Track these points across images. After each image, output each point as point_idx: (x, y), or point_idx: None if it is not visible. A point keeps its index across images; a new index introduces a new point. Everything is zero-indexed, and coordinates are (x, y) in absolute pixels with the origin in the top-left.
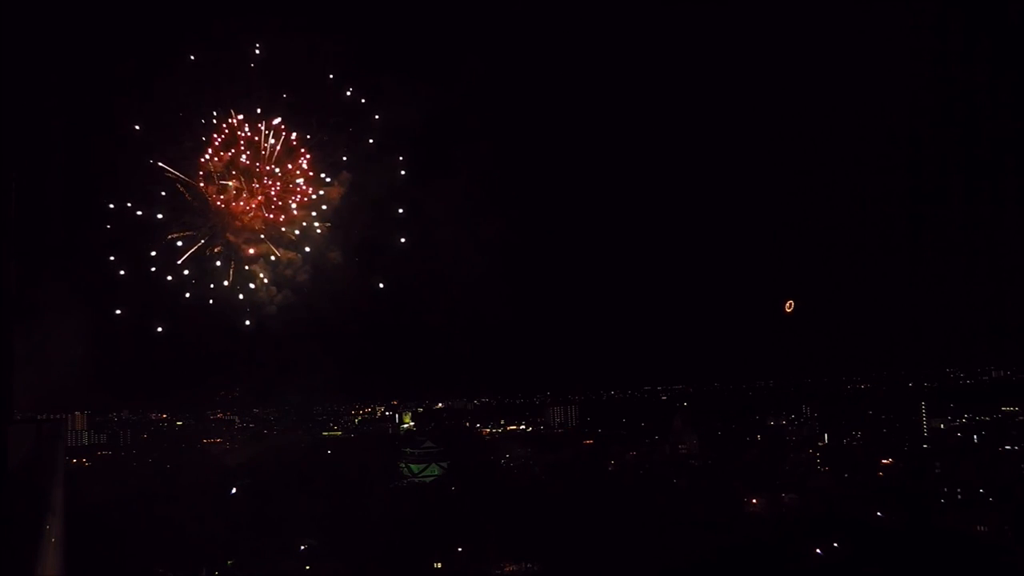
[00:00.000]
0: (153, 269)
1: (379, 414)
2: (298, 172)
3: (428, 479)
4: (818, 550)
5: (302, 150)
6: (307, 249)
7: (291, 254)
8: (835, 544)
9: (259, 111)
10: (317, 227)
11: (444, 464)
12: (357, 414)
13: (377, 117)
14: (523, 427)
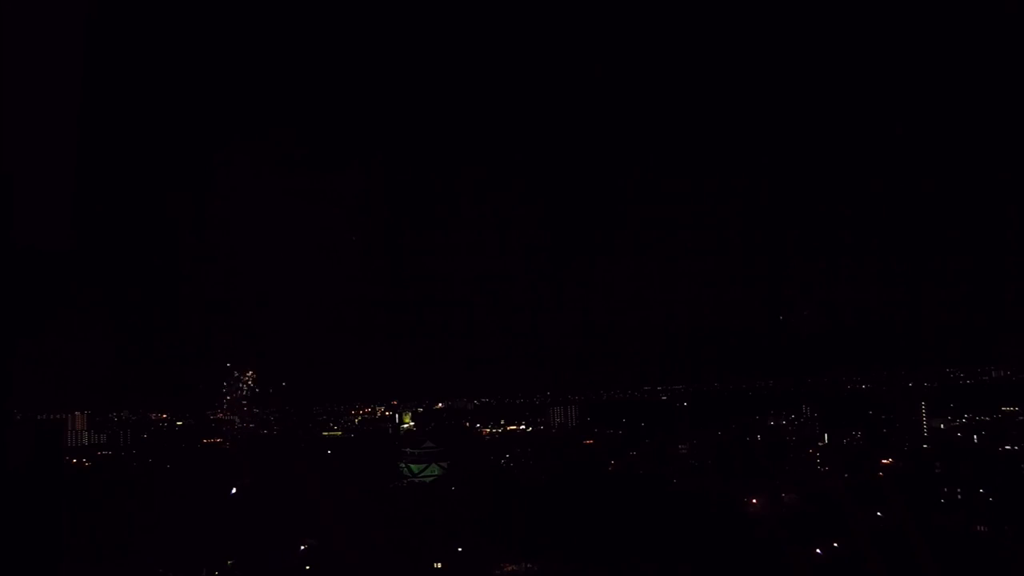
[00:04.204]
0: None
1: (379, 414)
2: None
3: (428, 479)
4: (818, 550)
5: None
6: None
7: None
8: (835, 544)
9: None
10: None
11: (444, 464)
12: (357, 414)
13: None
14: (523, 427)
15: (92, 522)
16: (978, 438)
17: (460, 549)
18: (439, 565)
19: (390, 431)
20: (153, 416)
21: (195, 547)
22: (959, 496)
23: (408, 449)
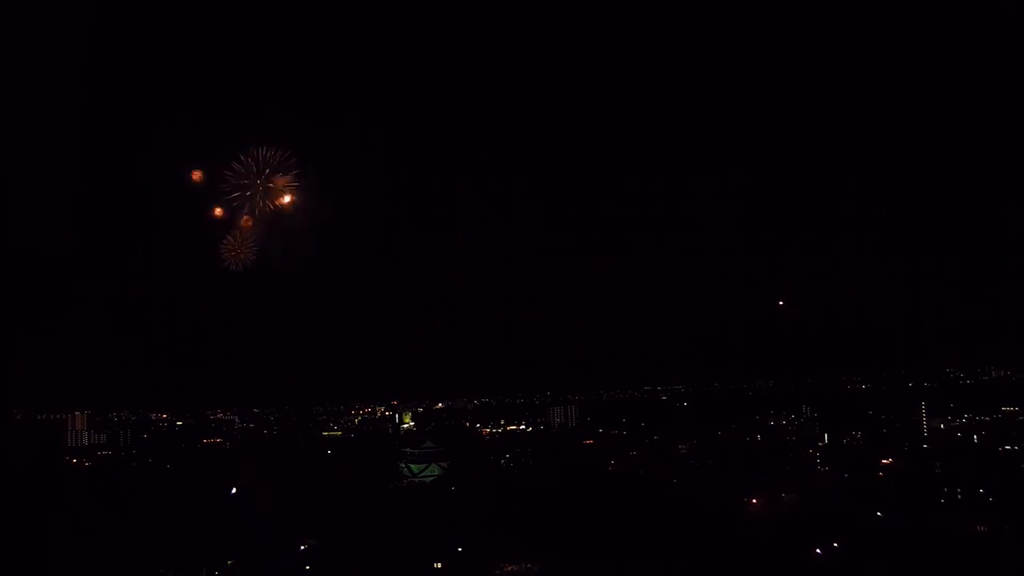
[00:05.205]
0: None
1: (379, 414)
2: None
3: (428, 479)
4: (818, 550)
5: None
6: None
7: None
8: (835, 544)
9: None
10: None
11: (444, 464)
12: (357, 414)
13: None
14: (523, 427)
15: (92, 522)
16: (978, 438)
17: (460, 549)
18: (439, 565)
19: (390, 431)
20: (153, 416)
21: (195, 547)
22: (959, 496)
23: (408, 449)
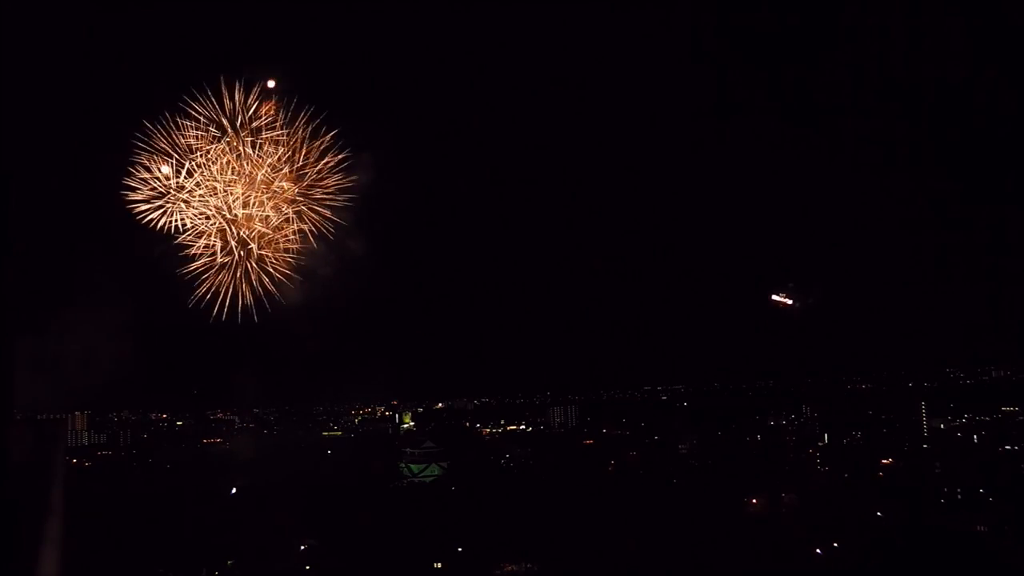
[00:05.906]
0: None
1: (379, 414)
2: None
3: (428, 479)
4: (818, 550)
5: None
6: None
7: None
8: (835, 544)
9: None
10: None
11: (444, 464)
12: (357, 414)
13: None
14: (523, 427)
15: (92, 522)
16: (978, 438)
17: (460, 549)
18: (439, 565)
19: (390, 431)
20: (153, 416)
21: (195, 547)
22: (959, 496)
23: (408, 449)
